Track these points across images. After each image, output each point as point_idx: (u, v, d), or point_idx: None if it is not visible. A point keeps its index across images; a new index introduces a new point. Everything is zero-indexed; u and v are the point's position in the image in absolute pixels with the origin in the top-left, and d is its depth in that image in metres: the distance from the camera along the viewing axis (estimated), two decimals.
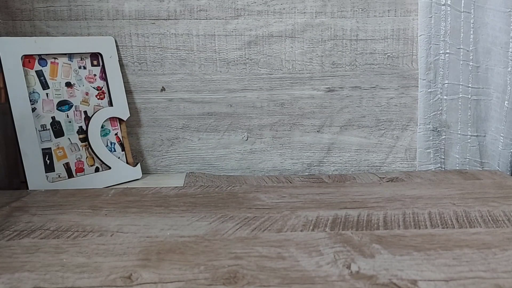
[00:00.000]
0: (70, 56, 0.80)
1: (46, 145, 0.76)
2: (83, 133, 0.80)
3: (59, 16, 0.81)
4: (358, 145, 0.86)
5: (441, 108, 0.81)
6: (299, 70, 0.83)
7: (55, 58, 0.78)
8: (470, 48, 0.78)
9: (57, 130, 0.77)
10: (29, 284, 0.42)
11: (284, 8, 0.81)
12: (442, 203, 0.59)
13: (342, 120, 0.85)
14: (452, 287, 0.38)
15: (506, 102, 0.77)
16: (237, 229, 0.52)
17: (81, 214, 0.60)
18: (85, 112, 0.80)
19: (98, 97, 0.82)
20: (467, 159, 0.83)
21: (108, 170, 0.81)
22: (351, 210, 0.58)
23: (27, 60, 0.75)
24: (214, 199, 0.65)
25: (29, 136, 0.74)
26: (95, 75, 0.82)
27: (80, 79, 0.80)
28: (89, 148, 0.80)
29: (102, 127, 0.81)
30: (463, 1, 0.77)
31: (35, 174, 0.74)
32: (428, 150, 0.83)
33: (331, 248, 0.46)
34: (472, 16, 0.77)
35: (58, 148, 0.77)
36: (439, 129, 0.82)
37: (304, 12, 0.81)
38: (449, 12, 0.78)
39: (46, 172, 0.75)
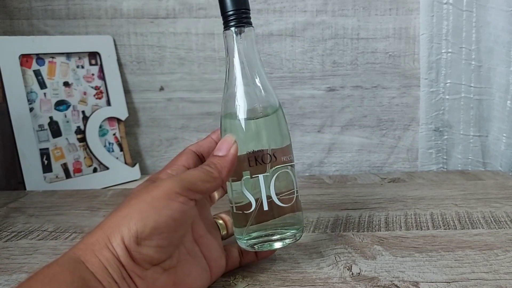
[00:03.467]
0: (68, 55, 0.79)
1: (44, 145, 0.75)
2: (81, 133, 0.79)
3: (57, 15, 0.81)
4: (359, 145, 0.85)
5: (443, 107, 0.81)
6: (300, 69, 0.82)
7: (53, 58, 0.78)
8: (472, 47, 0.78)
9: (55, 130, 0.77)
10: None
11: (284, 7, 0.81)
12: (444, 204, 0.59)
13: (343, 120, 0.84)
14: None
15: (508, 102, 0.77)
16: None
17: (79, 215, 0.59)
18: (83, 112, 0.80)
19: (96, 96, 0.81)
20: (469, 160, 0.82)
21: (106, 170, 0.80)
22: (352, 211, 0.57)
23: (25, 59, 0.75)
24: None
25: (26, 136, 0.73)
26: (93, 74, 0.81)
27: (78, 79, 0.80)
28: (87, 149, 0.79)
29: (100, 127, 0.81)
30: (465, 0, 0.76)
31: (32, 175, 0.73)
32: (430, 151, 0.83)
33: (332, 250, 0.46)
34: (474, 15, 0.77)
35: (56, 148, 0.77)
36: (441, 129, 0.82)
37: (305, 11, 0.81)
38: (451, 11, 0.77)
39: (43, 173, 0.75)
